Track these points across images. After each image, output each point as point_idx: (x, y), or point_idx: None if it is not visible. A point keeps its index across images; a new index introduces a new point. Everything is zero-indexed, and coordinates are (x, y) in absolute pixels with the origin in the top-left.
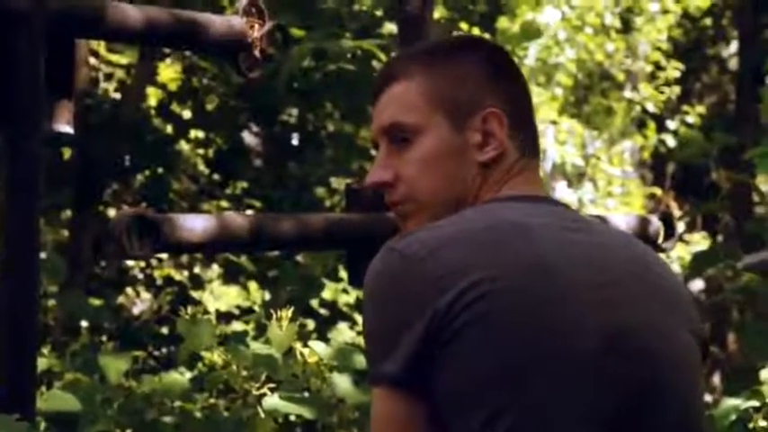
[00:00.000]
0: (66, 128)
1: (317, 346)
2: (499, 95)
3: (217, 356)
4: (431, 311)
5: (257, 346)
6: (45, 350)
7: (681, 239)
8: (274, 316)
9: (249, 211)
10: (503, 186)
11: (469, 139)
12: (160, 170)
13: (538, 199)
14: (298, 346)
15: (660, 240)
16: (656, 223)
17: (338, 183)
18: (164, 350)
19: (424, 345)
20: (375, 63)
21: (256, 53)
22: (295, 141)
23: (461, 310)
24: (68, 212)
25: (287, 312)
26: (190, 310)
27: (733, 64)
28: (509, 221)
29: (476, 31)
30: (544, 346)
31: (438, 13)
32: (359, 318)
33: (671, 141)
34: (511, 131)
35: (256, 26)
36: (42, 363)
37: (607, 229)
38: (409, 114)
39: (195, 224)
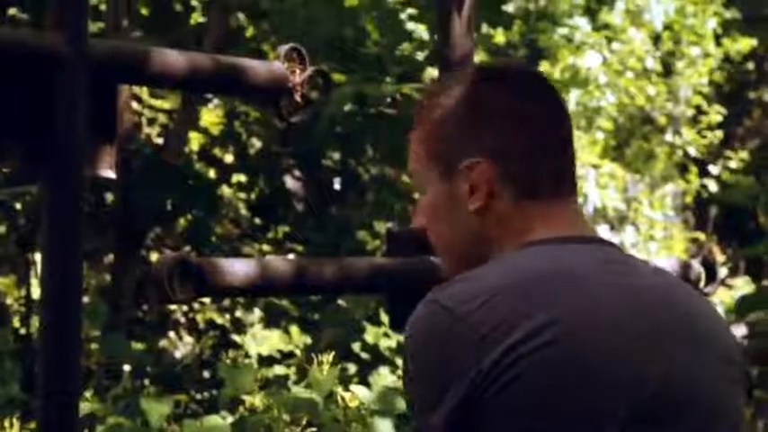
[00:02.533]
0: (109, 173)
1: (359, 391)
2: (483, 140)
3: (258, 400)
4: (474, 372)
5: (298, 390)
6: (87, 394)
7: (723, 284)
8: (315, 360)
9: (291, 255)
10: (536, 229)
11: (459, 189)
12: (202, 214)
13: (583, 239)
14: (339, 390)
15: (701, 285)
16: (697, 268)
17: (379, 226)
18: (205, 394)
19: (468, 401)
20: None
21: (298, 98)
22: (337, 185)
23: (507, 368)
24: (110, 256)
25: (328, 356)
26: (231, 354)
27: None
28: (553, 268)
29: None
30: (585, 401)
31: (478, 57)
32: (400, 362)
33: (713, 186)
34: (505, 175)
35: (298, 71)
36: (85, 407)
37: (653, 272)
38: (415, 163)
39: (238, 268)
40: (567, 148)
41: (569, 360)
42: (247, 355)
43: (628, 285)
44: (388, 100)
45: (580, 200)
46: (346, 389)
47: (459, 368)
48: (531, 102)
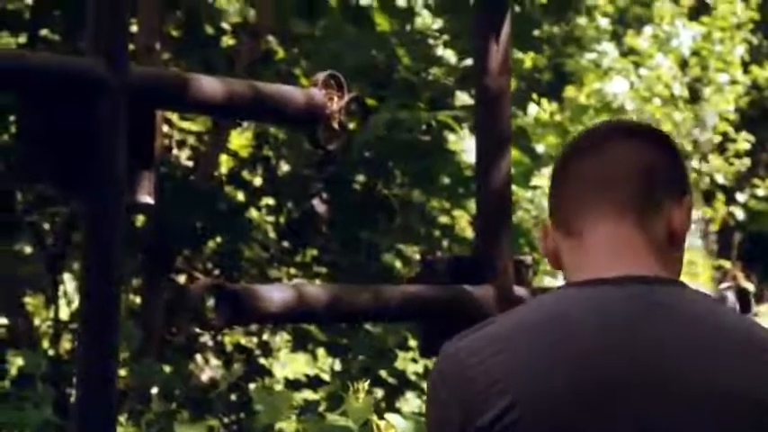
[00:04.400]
0: (148, 199)
1: (395, 419)
2: (552, 203)
3: (291, 427)
4: (472, 429)
5: (334, 418)
6: (122, 418)
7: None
8: (351, 387)
9: (318, 280)
10: (581, 267)
11: None
12: (231, 237)
13: (617, 281)
14: (374, 417)
15: None
16: (731, 298)
17: (407, 250)
18: (233, 417)
19: None
20: (446, 133)
21: (335, 125)
22: (365, 209)
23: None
24: (140, 278)
25: (363, 384)
26: (259, 378)
27: None
28: (536, 326)
29: (543, 100)
30: None
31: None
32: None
33: (740, 214)
34: (564, 233)
35: (335, 98)
36: None
37: (694, 319)
38: None
39: (273, 295)
40: (617, 184)
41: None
42: (276, 380)
43: (631, 338)
44: (423, 127)
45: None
46: (380, 416)
47: (459, 423)
48: (583, 153)
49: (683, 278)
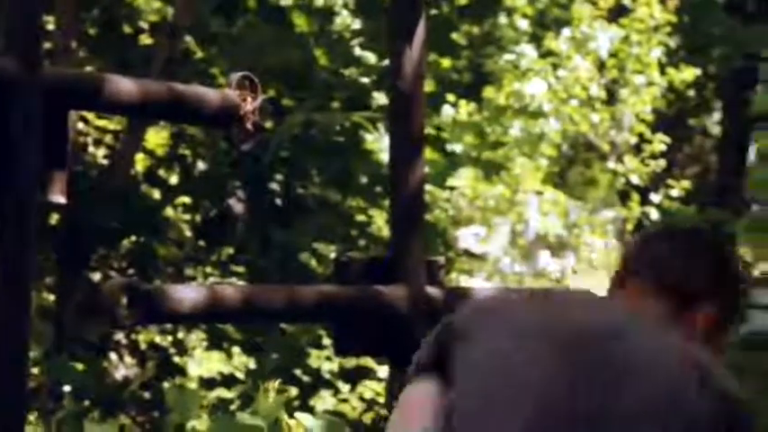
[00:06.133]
0: (60, 198)
1: (304, 418)
2: None
3: (203, 425)
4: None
5: (244, 417)
6: (32, 417)
7: None
8: (262, 386)
9: (234, 279)
10: None
11: None
12: (146, 236)
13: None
14: (284, 416)
15: None
16: None
17: (324, 249)
18: (146, 415)
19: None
20: (362, 134)
21: (249, 126)
22: (281, 208)
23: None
24: (54, 277)
25: (274, 384)
26: (173, 376)
27: (716, 133)
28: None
29: (462, 101)
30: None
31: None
32: (341, 385)
33: (654, 214)
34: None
35: (249, 99)
36: (29, 431)
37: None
38: None
39: (186, 294)
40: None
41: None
42: (189, 378)
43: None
44: (337, 128)
45: (521, 226)
46: (290, 415)
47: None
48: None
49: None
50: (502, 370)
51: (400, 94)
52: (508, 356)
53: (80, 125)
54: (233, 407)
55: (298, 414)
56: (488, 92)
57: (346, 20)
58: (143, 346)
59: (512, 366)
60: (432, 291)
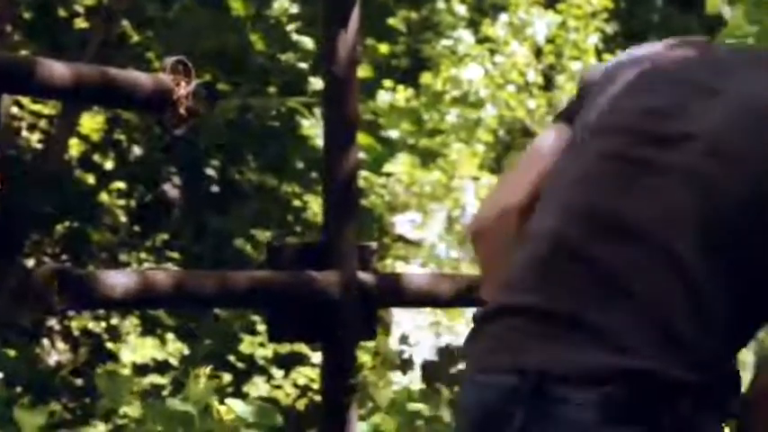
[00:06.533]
0: None
1: (235, 404)
2: None
3: (134, 411)
4: None
5: (174, 403)
6: None
7: None
8: (192, 372)
9: (170, 264)
10: None
11: None
12: (80, 221)
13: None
14: (215, 402)
15: None
16: None
17: (260, 235)
18: (80, 403)
19: None
20: (299, 119)
21: (182, 111)
22: (217, 194)
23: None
24: None
25: (205, 369)
26: (106, 362)
27: None
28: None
29: (400, 87)
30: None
31: (362, 72)
32: (275, 371)
33: None
34: None
35: (183, 84)
36: None
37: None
38: None
39: (118, 280)
40: None
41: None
42: (122, 364)
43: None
44: (273, 113)
45: (457, 213)
46: (222, 401)
47: None
48: None
49: None
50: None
51: (334, 79)
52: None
53: (14, 109)
54: (165, 393)
55: (228, 400)
56: (426, 77)
57: (284, 4)
58: (76, 333)
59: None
60: (364, 276)
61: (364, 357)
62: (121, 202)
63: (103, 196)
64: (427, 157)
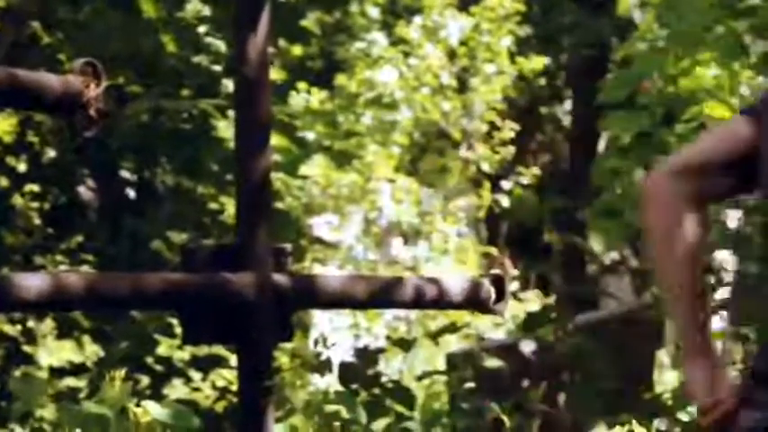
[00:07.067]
0: None
1: (151, 406)
2: None
3: (49, 414)
4: None
5: (90, 405)
6: None
7: (515, 298)
8: (108, 375)
9: (85, 267)
10: None
11: None
12: None
13: None
14: (131, 405)
15: (491, 303)
16: (487, 286)
17: (176, 237)
18: None
19: None
20: (212, 121)
21: (92, 113)
22: (132, 196)
23: None
24: None
25: (120, 372)
26: (22, 365)
27: (567, 123)
28: None
29: (314, 89)
30: None
31: (275, 74)
32: (193, 374)
33: (505, 201)
34: None
35: (92, 86)
36: None
37: None
38: None
39: (30, 283)
40: None
41: None
42: (39, 367)
43: None
44: (185, 115)
45: (374, 214)
46: (138, 403)
47: None
48: None
49: (454, 263)
50: None
51: (245, 80)
52: None
53: None
54: (82, 395)
55: (145, 402)
56: (340, 79)
57: (196, 6)
58: None
59: None
60: (279, 278)
61: (282, 359)
62: (35, 204)
63: (17, 199)
64: (343, 160)
